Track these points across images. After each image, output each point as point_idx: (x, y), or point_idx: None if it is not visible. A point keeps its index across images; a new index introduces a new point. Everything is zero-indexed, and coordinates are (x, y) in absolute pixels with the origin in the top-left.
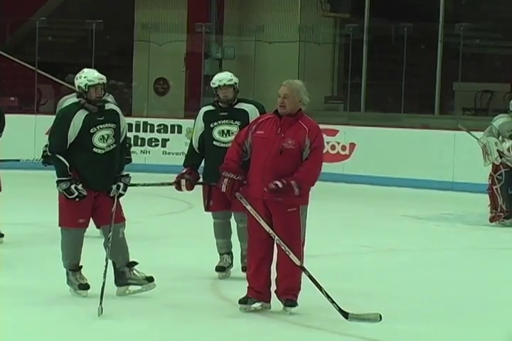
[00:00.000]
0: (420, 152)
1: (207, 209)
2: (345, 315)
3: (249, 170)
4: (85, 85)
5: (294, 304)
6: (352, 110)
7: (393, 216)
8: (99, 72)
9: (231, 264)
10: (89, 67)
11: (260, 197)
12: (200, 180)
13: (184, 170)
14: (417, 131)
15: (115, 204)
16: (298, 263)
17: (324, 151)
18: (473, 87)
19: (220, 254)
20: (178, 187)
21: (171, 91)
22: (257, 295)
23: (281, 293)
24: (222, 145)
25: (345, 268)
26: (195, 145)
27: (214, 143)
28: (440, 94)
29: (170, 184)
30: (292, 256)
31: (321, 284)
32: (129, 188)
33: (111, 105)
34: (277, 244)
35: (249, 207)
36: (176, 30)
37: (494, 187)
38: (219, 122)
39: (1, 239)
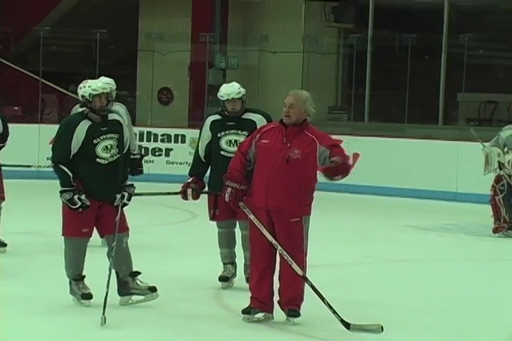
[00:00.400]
0: (424, 162)
1: (212, 218)
2: (347, 325)
3: (253, 179)
4: (89, 94)
5: (297, 314)
6: (356, 120)
7: (396, 226)
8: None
9: (234, 274)
10: (93, 76)
11: (264, 207)
12: (205, 189)
13: (190, 180)
14: (420, 141)
15: (119, 213)
16: (300, 273)
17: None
18: (477, 98)
19: (224, 264)
20: (184, 197)
21: (175, 100)
22: (260, 305)
23: (284, 303)
24: (229, 155)
25: (348, 279)
26: (202, 154)
27: (221, 152)
28: (444, 105)
29: (176, 193)
30: (295, 266)
31: (323, 294)
32: (133, 198)
33: (114, 115)
34: (280, 254)
35: (252, 217)
36: (180, 39)
37: (497, 198)
38: (226, 132)
39: (4, 248)
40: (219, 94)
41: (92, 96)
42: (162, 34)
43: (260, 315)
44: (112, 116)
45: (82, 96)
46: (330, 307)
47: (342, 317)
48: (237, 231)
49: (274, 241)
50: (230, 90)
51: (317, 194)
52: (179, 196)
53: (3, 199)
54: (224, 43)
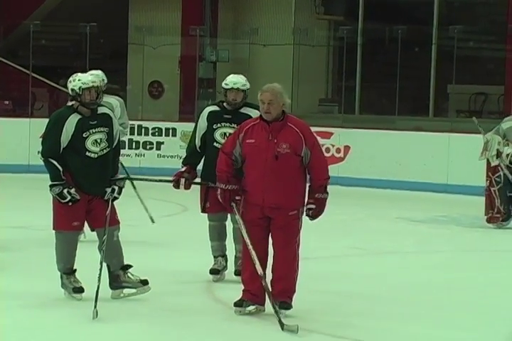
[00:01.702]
0: (414, 154)
1: (203, 210)
2: (282, 326)
3: (246, 177)
4: (79, 88)
5: (288, 306)
6: (346, 112)
7: (388, 218)
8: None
9: (225, 267)
10: (84, 70)
11: (261, 204)
12: (198, 179)
13: (183, 169)
14: (411, 133)
15: (109, 207)
16: (260, 272)
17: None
18: (467, 90)
19: (215, 257)
20: (176, 186)
21: (166, 94)
22: (252, 297)
23: (276, 295)
24: None
25: (340, 271)
26: (198, 143)
27: (215, 144)
28: (434, 97)
29: (168, 181)
30: (257, 266)
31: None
32: (123, 191)
33: (104, 109)
34: (274, 247)
35: (237, 216)
36: (170, 33)
37: (492, 189)
38: (222, 124)
39: None
40: (224, 82)
41: (82, 90)
42: (152, 27)
43: (252, 307)
44: (101, 110)
45: (72, 90)
46: (274, 307)
47: (281, 319)
48: (229, 224)
49: (248, 241)
50: (237, 79)
51: (329, 183)
52: (170, 187)
53: None
54: (214, 36)
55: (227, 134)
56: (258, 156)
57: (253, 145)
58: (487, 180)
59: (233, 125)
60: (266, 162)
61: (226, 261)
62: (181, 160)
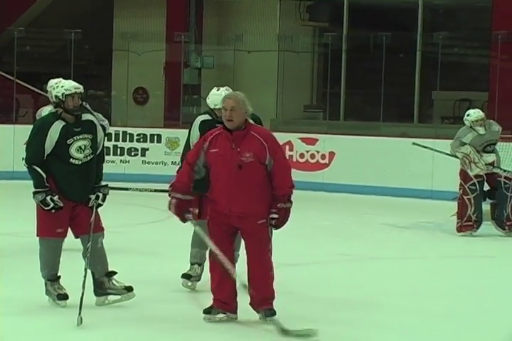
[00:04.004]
0: (399, 160)
1: (198, 217)
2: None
3: (212, 187)
4: (62, 94)
5: (274, 313)
6: (331, 119)
7: (372, 224)
8: (78, 81)
9: (199, 276)
10: (68, 76)
11: (228, 213)
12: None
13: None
14: (396, 139)
15: (94, 214)
16: (233, 276)
17: (303, 160)
18: (451, 96)
19: (191, 264)
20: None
21: (151, 100)
22: (221, 305)
23: (257, 304)
24: None
25: (324, 277)
26: None
27: None
28: (419, 103)
29: (164, 191)
30: (230, 270)
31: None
32: (108, 198)
33: (88, 116)
34: (248, 256)
35: (197, 228)
36: (154, 39)
37: (466, 197)
38: None
39: None
40: (207, 101)
41: (65, 96)
42: (137, 34)
43: (222, 315)
44: (85, 117)
45: (55, 97)
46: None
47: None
48: None
49: (217, 251)
50: (218, 100)
51: (294, 192)
52: (156, 195)
53: None
54: (199, 43)
55: None
56: (222, 166)
57: (217, 155)
58: (460, 188)
59: None
60: (230, 172)
61: (201, 271)
62: (166, 166)
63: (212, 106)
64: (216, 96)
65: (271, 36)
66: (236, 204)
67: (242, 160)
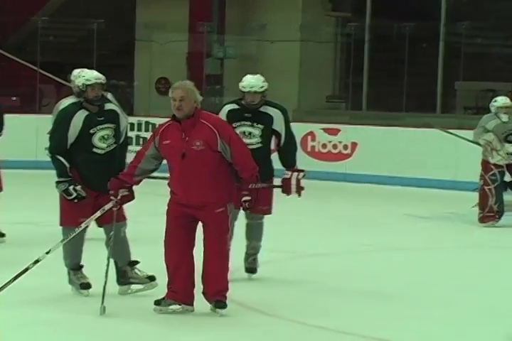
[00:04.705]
0: (422, 151)
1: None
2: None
3: (170, 178)
4: (83, 84)
5: (224, 305)
6: (354, 109)
7: (395, 215)
8: (101, 71)
9: None
10: (91, 66)
11: (186, 203)
12: None
13: None
14: (418, 130)
15: None
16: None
17: (326, 151)
18: (474, 86)
19: None
20: None
21: None
22: (174, 296)
23: (210, 295)
24: None
25: (346, 267)
26: None
27: None
28: (442, 93)
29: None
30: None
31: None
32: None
33: (111, 105)
34: (205, 245)
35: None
36: (177, 29)
37: (487, 188)
38: (242, 123)
39: (3, 239)
40: (241, 85)
41: (86, 86)
42: (160, 24)
43: (176, 307)
44: (108, 106)
45: (77, 87)
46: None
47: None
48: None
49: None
50: (253, 83)
51: (316, 183)
52: None
53: (1, 189)
54: (222, 33)
55: (247, 133)
56: (175, 156)
57: (169, 146)
58: (481, 178)
59: (253, 124)
60: (182, 161)
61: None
62: None
63: (247, 90)
64: (251, 80)
65: (294, 26)
66: (192, 194)
67: (192, 148)
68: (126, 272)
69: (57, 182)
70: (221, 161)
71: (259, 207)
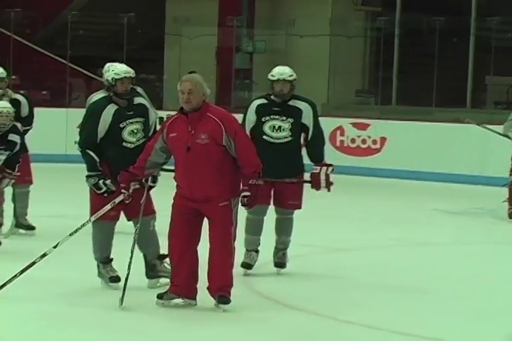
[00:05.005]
0: (451, 146)
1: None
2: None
3: (175, 172)
4: (112, 79)
5: (227, 301)
6: (383, 104)
7: (424, 210)
8: (130, 65)
9: (255, 262)
10: (121, 60)
11: (190, 196)
12: None
13: None
14: (448, 124)
15: (144, 196)
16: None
17: (354, 145)
18: (505, 81)
19: (248, 250)
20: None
21: None
22: (176, 290)
23: (214, 290)
24: (272, 140)
25: (375, 262)
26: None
27: (264, 137)
28: (472, 88)
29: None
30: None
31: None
32: (160, 180)
33: (140, 99)
34: (210, 240)
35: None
36: (207, 23)
37: None
38: (271, 117)
39: (33, 232)
40: (270, 74)
41: (115, 80)
42: (189, 18)
43: (178, 300)
44: (137, 100)
45: (106, 80)
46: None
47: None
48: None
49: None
50: (283, 70)
51: (344, 178)
52: None
53: (31, 182)
54: (251, 27)
55: (277, 127)
56: (180, 149)
57: (176, 139)
58: (510, 174)
59: (282, 117)
60: (188, 154)
61: (257, 257)
62: None
63: (276, 77)
64: (280, 68)
65: (323, 20)
66: (196, 188)
67: (197, 142)
68: (155, 265)
69: (87, 177)
70: (226, 155)
71: (289, 202)
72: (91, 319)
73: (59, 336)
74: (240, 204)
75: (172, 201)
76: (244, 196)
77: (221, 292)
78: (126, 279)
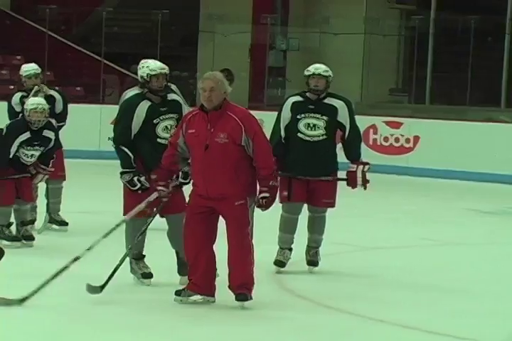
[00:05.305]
0: (485, 145)
1: (287, 199)
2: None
3: (191, 168)
4: (147, 75)
5: (246, 298)
6: (416, 103)
7: (456, 209)
8: (164, 62)
9: (288, 260)
10: (155, 57)
11: (205, 195)
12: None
13: None
14: (482, 124)
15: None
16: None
17: (387, 144)
18: None
19: (281, 248)
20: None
21: (235, 82)
22: (193, 287)
23: (235, 287)
24: (306, 138)
25: (407, 261)
26: (283, 134)
27: (299, 135)
28: (506, 88)
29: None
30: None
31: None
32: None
33: (173, 95)
34: (228, 239)
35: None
36: (241, 21)
37: None
38: (306, 115)
39: (66, 227)
40: (306, 70)
41: (150, 77)
42: (223, 15)
43: (197, 297)
44: (171, 97)
45: (141, 77)
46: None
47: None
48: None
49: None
50: (318, 66)
51: (377, 176)
52: None
53: (64, 178)
54: (285, 25)
55: (311, 124)
56: (198, 147)
57: (194, 136)
58: None
59: (317, 115)
60: (205, 152)
61: (290, 255)
62: None
63: (311, 72)
64: (313, 65)
65: (357, 19)
66: (212, 186)
67: (216, 140)
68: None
69: (122, 173)
70: (243, 155)
71: (323, 200)
72: (83, 314)
73: (82, 332)
74: (254, 204)
75: (188, 199)
76: (263, 197)
77: (241, 290)
78: (116, 269)
